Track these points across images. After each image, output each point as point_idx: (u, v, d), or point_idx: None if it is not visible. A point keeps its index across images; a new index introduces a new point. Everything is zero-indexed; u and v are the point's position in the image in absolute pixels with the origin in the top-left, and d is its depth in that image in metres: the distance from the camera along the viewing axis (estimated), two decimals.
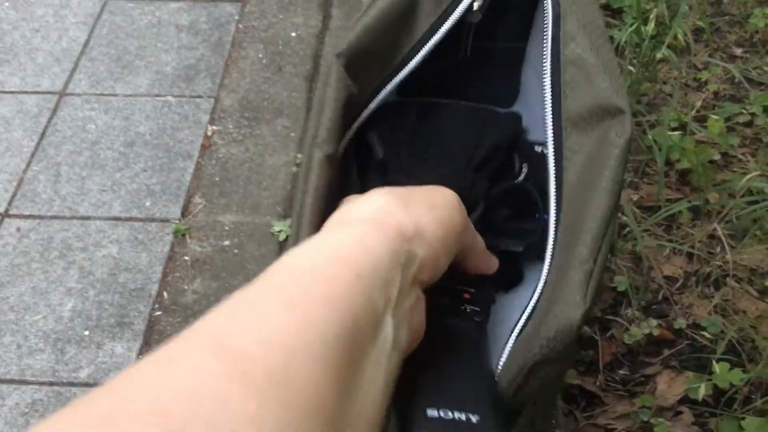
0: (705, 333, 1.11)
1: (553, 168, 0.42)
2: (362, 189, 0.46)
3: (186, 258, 1.40)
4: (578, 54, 0.43)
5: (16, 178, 1.51)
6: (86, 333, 1.29)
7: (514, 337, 0.41)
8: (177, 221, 1.45)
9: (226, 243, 1.42)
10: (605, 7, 1.49)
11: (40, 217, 1.45)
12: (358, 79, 0.47)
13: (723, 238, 1.19)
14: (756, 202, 1.16)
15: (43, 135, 1.58)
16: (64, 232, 1.43)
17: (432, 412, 0.39)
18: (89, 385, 1.23)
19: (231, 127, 1.61)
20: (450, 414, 0.39)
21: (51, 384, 1.24)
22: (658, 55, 1.24)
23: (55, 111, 1.62)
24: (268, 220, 1.45)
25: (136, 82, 1.68)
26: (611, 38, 1.32)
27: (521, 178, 0.52)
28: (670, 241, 1.20)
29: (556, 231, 0.41)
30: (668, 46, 1.17)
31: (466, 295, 0.47)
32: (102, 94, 1.65)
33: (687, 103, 1.38)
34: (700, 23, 1.43)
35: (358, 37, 0.47)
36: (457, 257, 0.39)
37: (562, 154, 0.42)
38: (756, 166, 1.25)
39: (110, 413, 0.23)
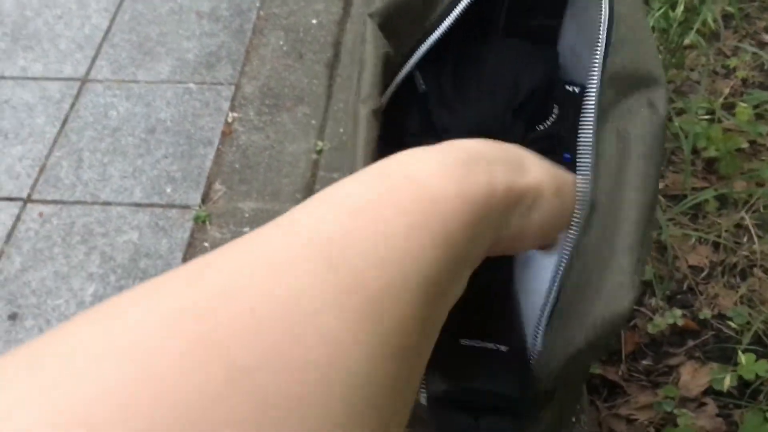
0: (730, 323, 1.09)
1: (593, 130, 0.41)
2: (402, 122, 0.46)
3: (206, 244, 1.40)
4: (626, 14, 0.42)
5: (39, 163, 1.52)
6: None
7: (546, 317, 0.40)
8: (197, 208, 1.45)
9: (246, 230, 1.42)
10: None
11: (62, 203, 1.46)
12: (393, 39, 0.46)
13: (750, 228, 1.17)
14: None
15: (65, 121, 1.59)
16: (86, 217, 1.43)
17: (464, 342, 0.44)
18: None
19: (252, 114, 1.61)
20: (481, 343, 0.43)
21: None
22: (686, 41, 1.22)
23: (77, 97, 1.63)
24: (288, 207, 1.44)
25: (157, 68, 1.68)
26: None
27: (552, 118, 0.52)
28: (696, 230, 1.18)
29: (593, 202, 0.40)
30: (697, 32, 1.15)
31: None
32: (123, 81, 1.66)
33: (715, 91, 1.35)
34: (729, 8, 1.40)
35: None
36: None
37: (602, 110, 0.41)
38: None
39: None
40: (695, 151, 1.25)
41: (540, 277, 0.46)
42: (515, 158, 0.36)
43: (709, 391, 1.03)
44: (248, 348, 0.21)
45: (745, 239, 1.17)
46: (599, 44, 0.42)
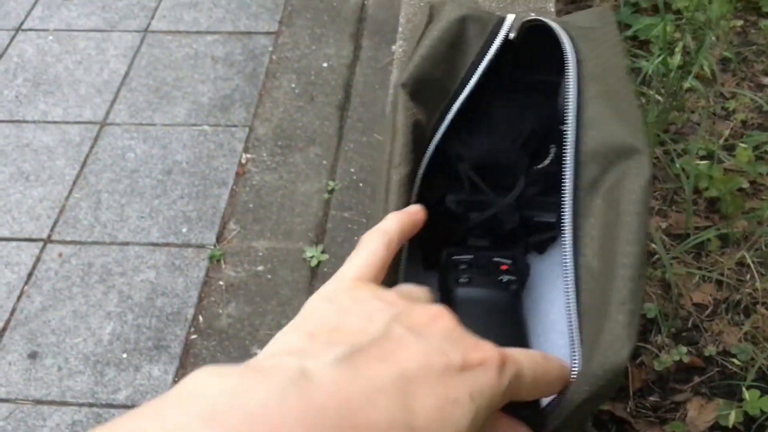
0: (735, 360, 1.12)
1: (570, 201, 0.44)
2: (412, 156, 0.48)
3: (221, 283, 1.44)
4: (599, 92, 0.46)
5: (59, 205, 1.56)
6: (124, 356, 1.33)
7: None
8: (212, 247, 1.49)
9: (260, 268, 1.46)
10: (632, 38, 1.51)
11: (81, 243, 1.50)
12: (424, 105, 0.50)
13: (752, 266, 1.19)
14: None
15: (84, 163, 1.64)
16: (104, 257, 1.47)
17: None
18: (127, 406, 1.27)
19: (265, 155, 1.65)
20: None
21: (90, 405, 1.27)
22: (685, 85, 1.26)
23: (96, 140, 1.68)
24: (301, 246, 1.48)
25: (173, 112, 1.73)
26: (637, 70, 1.34)
27: (551, 157, 0.56)
28: (700, 268, 1.21)
29: (575, 266, 0.43)
30: (695, 76, 1.19)
31: (503, 267, 0.51)
32: (141, 124, 1.71)
33: (715, 132, 1.39)
34: (726, 53, 1.45)
35: (417, 66, 0.50)
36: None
37: (578, 188, 0.44)
38: None
39: None
40: (697, 191, 1.29)
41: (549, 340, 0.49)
42: None
43: (716, 427, 1.05)
44: None
45: (747, 277, 1.20)
46: (568, 126, 0.46)
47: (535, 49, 0.55)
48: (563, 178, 0.45)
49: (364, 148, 1.66)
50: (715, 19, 1.40)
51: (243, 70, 1.82)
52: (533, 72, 0.59)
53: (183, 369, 1.31)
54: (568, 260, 0.43)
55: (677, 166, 1.27)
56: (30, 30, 1.94)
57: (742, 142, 1.37)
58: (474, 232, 0.54)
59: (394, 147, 0.45)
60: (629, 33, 1.49)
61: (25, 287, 1.43)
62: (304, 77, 1.81)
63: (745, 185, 1.31)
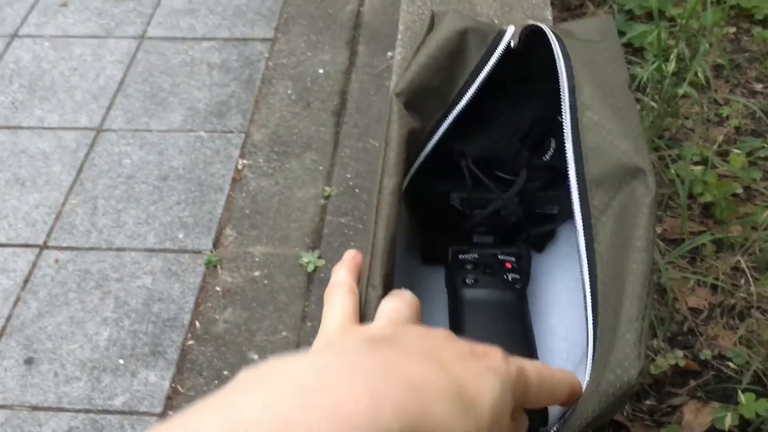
0: (730, 364, 1.12)
1: (582, 229, 0.45)
2: (404, 165, 0.49)
3: (217, 288, 1.44)
4: (595, 121, 0.46)
5: (55, 211, 1.56)
6: (121, 362, 1.33)
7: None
8: (209, 252, 1.49)
9: (256, 274, 1.46)
10: (627, 45, 1.52)
11: (78, 249, 1.50)
12: (419, 114, 0.50)
13: (747, 271, 1.20)
14: None
15: (80, 169, 1.64)
16: (101, 263, 1.47)
17: None
18: (124, 413, 1.27)
19: (261, 161, 1.66)
20: None
21: (87, 411, 1.27)
22: (680, 92, 1.27)
23: (92, 146, 1.68)
24: (297, 251, 1.49)
25: (169, 118, 1.74)
26: (632, 76, 1.35)
27: (551, 151, 0.56)
28: (695, 273, 1.22)
29: (593, 292, 0.43)
30: (689, 83, 1.20)
31: (508, 264, 0.52)
32: (137, 130, 1.71)
33: (709, 138, 1.40)
34: (720, 60, 1.47)
35: (414, 75, 0.50)
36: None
37: (590, 214, 0.45)
38: None
39: None
40: (691, 197, 1.30)
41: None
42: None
43: (712, 430, 1.06)
44: None
45: (742, 281, 1.21)
46: (568, 153, 0.46)
47: (535, 58, 0.55)
48: (572, 205, 0.46)
49: (360, 154, 1.67)
50: (709, 26, 1.42)
51: (239, 77, 1.83)
52: (533, 81, 0.59)
53: (180, 375, 1.31)
54: (585, 284, 0.44)
55: (672, 171, 1.28)
56: (26, 36, 1.95)
57: (736, 148, 1.38)
58: (478, 228, 0.55)
59: (387, 156, 0.46)
60: (624, 40, 1.50)
61: (22, 293, 1.43)
62: (299, 83, 1.82)
63: (739, 190, 1.32)
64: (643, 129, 0.47)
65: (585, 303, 0.44)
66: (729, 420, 1.04)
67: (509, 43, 0.53)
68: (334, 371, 0.28)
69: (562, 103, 0.49)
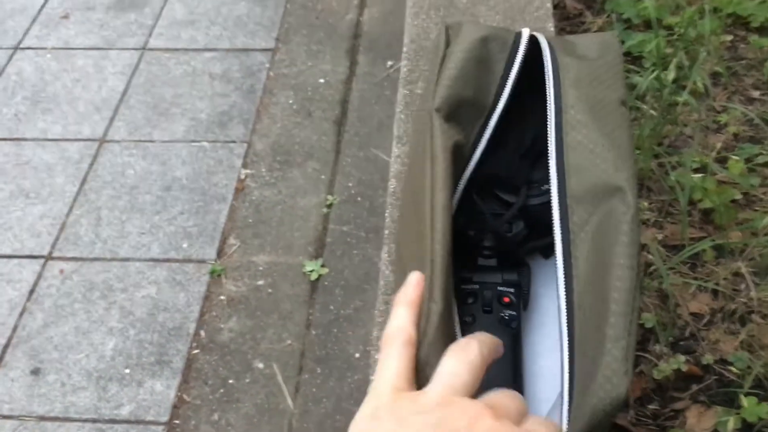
0: (732, 368, 1.13)
1: (561, 244, 0.46)
2: (453, 179, 0.49)
3: (222, 297, 1.45)
4: (579, 141, 0.48)
5: (59, 222, 1.57)
6: (127, 371, 1.34)
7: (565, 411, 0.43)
8: (213, 262, 1.50)
9: (260, 282, 1.47)
10: (625, 54, 1.54)
11: (82, 260, 1.50)
12: (460, 125, 0.51)
13: (747, 276, 1.22)
14: None
15: (84, 180, 1.65)
16: (105, 273, 1.48)
17: None
18: (130, 422, 1.27)
19: (263, 170, 1.67)
20: None
21: (94, 421, 1.28)
22: (679, 100, 1.29)
23: (95, 157, 1.69)
24: (300, 260, 1.50)
25: (172, 128, 1.75)
26: (633, 86, 1.37)
27: None
28: (696, 278, 1.23)
29: (569, 311, 0.44)
30: (688, 91, 1.22)
31: (506, 299, 0.52)
32: (140, 141, 1.72)
33: (707, 145, 1.42)
34: (717, 68, 1.48)
35: (447, 89, 0.51)
36: None
37: (569, 230, 0.46)
38: None
39: None
40: (692, 203, 1.31)
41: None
42: None
43: None
44: None
45: (742, 287, 1.22)
46: (551, 170, 0.48)
47: (537, 71, 0.56)
48: (551, 222, 0.47)
49: (362, 163, 1.68)
50: (707, 34, 1.44)
51: (241, 87, 1.84)
52: (537, 96, 0.60)
53: (185, 384, 1.32)
54: (561, 300, 0.45)
55: (672, 178, 1.29)
56: (28, 48, 1.96)
57: (735, 155, 1.39)
58: (483, 252, 0.56)
59: (435, 171, 0.46)
60: (622, 49, 1.52)
61: (27, 304, 1.44)
62: (301, 93, 1.83)
63: (738, 197, 1.34)
64: (632, 145, 0.48)
65: (559, 317, 0.44)
66: (732, 424, 1.05)
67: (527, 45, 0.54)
68: None
69: (548, 123, 0.50)
